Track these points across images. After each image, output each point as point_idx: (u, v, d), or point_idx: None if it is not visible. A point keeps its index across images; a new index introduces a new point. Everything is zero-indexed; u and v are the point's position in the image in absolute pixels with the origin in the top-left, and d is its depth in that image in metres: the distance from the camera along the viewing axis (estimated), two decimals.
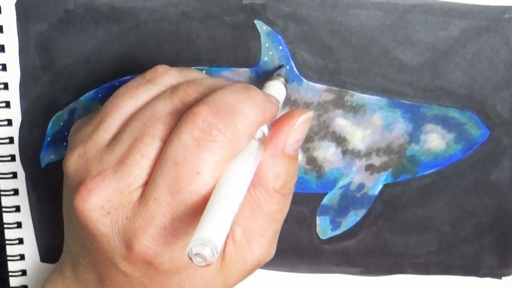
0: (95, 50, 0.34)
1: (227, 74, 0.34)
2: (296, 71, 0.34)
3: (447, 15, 0.33)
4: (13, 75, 0.35)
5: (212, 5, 0.33)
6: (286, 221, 0.36)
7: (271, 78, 0.32)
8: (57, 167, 0.36)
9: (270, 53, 0.34)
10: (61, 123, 0.36)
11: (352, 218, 0.36)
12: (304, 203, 0.36)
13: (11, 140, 0.36)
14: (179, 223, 0.24)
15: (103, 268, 0.27)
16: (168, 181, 0.24)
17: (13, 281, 0.38)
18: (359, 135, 0.35)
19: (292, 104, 0.34)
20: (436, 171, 0.35)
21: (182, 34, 0.34)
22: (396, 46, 0.33)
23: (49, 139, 0.36)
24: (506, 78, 0.34)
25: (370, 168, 0.35)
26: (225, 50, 0.34)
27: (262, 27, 0.33)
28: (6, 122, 0.36)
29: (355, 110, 0.34)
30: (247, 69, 0.34)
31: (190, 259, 0.21)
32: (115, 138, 0.27)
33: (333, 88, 0.34)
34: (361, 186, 0.36)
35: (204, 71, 0.34)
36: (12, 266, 0.38)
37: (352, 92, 0.34)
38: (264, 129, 0.27)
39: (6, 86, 0.35)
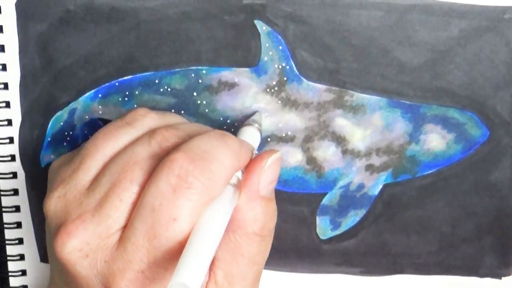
0: (95, 50, 0.34)
1: (227, 74, 0.34)
2: (296, 71, 0.34)
3: (447, 15, 0.33)
4: (13, 75, 0.35)
5: (212, 5, 0.33)
6: (286, 221, 0.36)
7: (246, 123, 0.33)
8: None
9: (270, 53, 0.34)
10: (61, 123, 0.36)
11: (352, 218, 0.36)
12: (304, 203, 0.36)
13: (11, 140, 0.36)
14: (156, 267, 0.25)
15: None
16: (145, 227, 0.25)
17: (13, 281, 0.38)
18: (359, 135, 0.35)
19: (292, 104, 0.34)
20: (436, 171, 0.35)
21: (182, 34, 0.34)
22: (396, 46, 0.33)
23: (49, 139, 0.36)
24: (506, 78, 0.34)
25: (370, 168, 0.35)
26: (225, 50, 0.34)
27: (262, 27, 0.33)
28: (6, 122, 0.36)
29: (355, 110, 0.34)
30: (247, 69, 0.34)
31: None
32: (95, 181, 0.27)
33: (333, 88, 0.34)
34: (361, 186, 0.36)
35: (204, 71, 0.34)
36: (12, 266, 0.38)
37: (352, 92, 0.34)
38: (239, 174, 0.28)
39: (6, 86, 0.35)
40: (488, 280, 0.37)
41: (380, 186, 0.36)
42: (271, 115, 0.35)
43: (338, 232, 0.37)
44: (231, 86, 0.34)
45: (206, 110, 0.35)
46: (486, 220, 0.36)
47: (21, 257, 0.38)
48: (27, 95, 0.35)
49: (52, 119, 0.36)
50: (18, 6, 0.34)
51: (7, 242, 0.37)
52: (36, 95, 0.35)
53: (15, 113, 0.36)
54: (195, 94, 0.35)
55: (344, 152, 0.35)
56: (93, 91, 0.35)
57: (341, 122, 0.35)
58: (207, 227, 0.25)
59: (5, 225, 0.37)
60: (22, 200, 0.37)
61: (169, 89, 0.35)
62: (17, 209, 0.37)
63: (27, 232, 0.37)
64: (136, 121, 0.29)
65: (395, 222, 0.36)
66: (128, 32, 0.34)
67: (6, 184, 0.37)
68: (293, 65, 0.34)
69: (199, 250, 0.23)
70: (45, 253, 0.38)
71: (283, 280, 0.38)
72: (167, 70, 0.34)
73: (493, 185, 0.35)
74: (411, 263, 0.37)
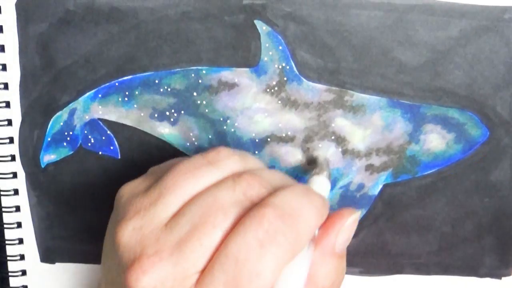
0: (95, 50, 0.34)
1: (227, 74, 0.34)
2: (296, 71, 0.34)
3: (447, 15, 0.33)
4: (13, 75, 0.35)
5: (212, 5, 0.33)
6: None
7: (315, 172, 0.32)
8: (57, 167, 0.36)
9: (270, 53, 0.34)
10: (61, 123, 0.36)
11: None
12: None
13: (11, 140, 0.36)
14: None
15: None
16: (226, 277, 0.25)
17: (13, 281, 0.38)
18: (359, 135, 0.35)
19: (292, 104, 0.34)
20: (436, 171, 0.35)
21: (182, 34, 0.34)
22: (396, 46, 0.33)
23: (49, 139, 0.36)
24: (506, 78, 0.34)
25: (370, 168, 0.35)
26: (225, 50, 0.34)
27: (262, 27, 0.33)
28: (6, 122, 0.36)
29: (355, 110, 0.34)
30: (247, 69, 0.34)
31: None
32: (174, 219, 0.26)
33: (333, 88, 0.34)
34: (361, 186, 0.36)
35: (204, 71, 0.34)
36: (12, 266, 0.38)
37: (352, 92, 0.34)
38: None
39: (6, 86, 0.35)
40: (488, 280, 0.37)
41: (380, 186, 0.36)
42: (271, 115, 0.35)
43: None
44: (231, 86, 0.34)
45: (206, 110, 0.35)
46: (486, 220, 0.36)
47: (21, 257, 0.38)
48: (27, 95, 0.35)
49: (52, 119, 0.36)
50: (18, 6, 0.34)
51: (7, 242, 0.37)
52: (36, 95, 0.35)
53: (15, 113, 0.36)
54: (195, 94, 0.35)
55: (344, 152, 0.35)
56: (93, 91, 0.35)
57: (341, 122, 0.35)
58: (288, 285, 0.25)
59: (5, 225, 0.37)
60: (22, 200, 0.37)
61: (169, 89, 0.35)
62: (17, 209, 0.37)
63: (27, 232, 0.37)
64: (218, 162, 0.28)
65: (395, 222, 0.36)
66: (128, 32, 0.34)
67: (6, 184, 0.37)
68: (293, 65, 0.34)
69: None
70: (45, 253, 0.38)
71: None
72: (167, 70, 0.34)
73: (493, 185, 0.35)
74: (411, 263, 0.37)
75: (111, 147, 0.36)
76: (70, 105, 0.35)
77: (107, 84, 0.35)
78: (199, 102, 0.35)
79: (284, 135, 0.35)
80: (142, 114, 0.35)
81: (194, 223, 0.26)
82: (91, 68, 0.35)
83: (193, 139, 0.35)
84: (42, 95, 0.35)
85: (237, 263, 0.24)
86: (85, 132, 0.36)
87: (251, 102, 0.35)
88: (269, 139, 0.35)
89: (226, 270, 0.25)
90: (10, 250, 0.38)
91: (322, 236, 0.28)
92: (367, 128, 0.35)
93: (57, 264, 0.38)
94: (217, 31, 0.34)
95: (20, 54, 0.35)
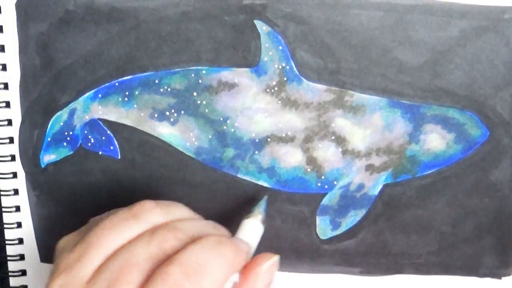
0: (95, 50, 0.34)
1: (227, 74, 0.34)
2: (296, 71, 0.34)
3: (447, 15, 0.33)
4: (13, 75, 0.35)
5: (212, 5, 0.33)
6: (286, 221, 0.36)
7: (248, 215, 0.32)
8: (57, 167, 0.36)
9: (270, 53, 0.34)
10: (61, 123, 0.36)
11: (352, 218, 0.36)
12: (304, 203, 0.36)
13: (11, 140, 0.36)
14: None
15: None
16: None
17: (13, 281, 0.38)
18: (359, 135, 0.35)
19: (292, 104, 0.34)
20: (436, 171, 0.35)
21: (182, 34, 0.34)
22: (396, 46, 0.33)
23: (49, 139, 0.36)
24: (506, 78, 0.34)
25: (370, 168, 0.35)
26: (225, 50, 0.34)
27: (262, 27, 0.33)
28: (6, 122, 0.36)
29: (355, 110, 0.34)
30: (247, 69, 0.34)
31: None
32: (94, 276, 0.28)
33: (333, 88, 0.34)
34: (361, 186, 0.36)
35: (204, 71, 0.34)
36: (12, 266, 0.38)
37: (352, 92, 0.34)
38: (235, 277, 0.28)
39: (6, 86, 0.35)
40: (488, 280, 0.37)
41: (380, 186, 0.36)
42: (271, 115, 0.35)
43: (338, 232, 0.37)
44: (231, 86, 0.34)
45: (206, 110, 0.35)
46: (486, 220, 0.36)
47: (21, 257, 0.38)
48: (27, 95, 0.35)
49: (52, 119, 0.36)
50: (18, 6, 0.34)
51: (7, 242, 0.37)
52: (36, 95, 0.35)
53: (15, 113, 0.36)
54: (195, 94, 0.35)
55: (344, 152, 0.35)
56: (93, 91, 0.35)
57: (341, 122, 0.35)
58: None
59: (5, 225, 0.37)
60: (22, 200, 0.37)
61: (169, 89, 0.35)
62: (17, 209, 0.37)
63: (27, 232, 0.37)
64: (140, 215, 0.29)
65: (395, 222, 0.36)
66: (128, 32, 0.34)
67: (6, 184, 0.37)
68: (293, 65, 0.34)
69: None
70: (45, 253, 0.38)
71: (283, 280, 0.38)
72: (167, 70, 0.34)
73: (493, 185, 0.35)
74: (411, 263, 0.37)
75: (111, 147, 0.36)
76: (70, 105, 0.35)
77: (107, 84, 0.35)
78: (199, 102, 0.35)
79: (284, 135, 0.35)
80: (142, 114, 0.35)
81: (112, 279, 0.27)
82: (91, 68, 0.35)
83: (193, 139, 0.35)
84: (42, 95, 0.35)
85: None
86: (85, 132, 0.36)
87: (251, 102, 0.35)
88: (269, 139, 0.35)
89: None
90: (10, 250, 0.38)
91: (242, 283, 0.28)
92: (367, 128, 0.35)
93: None
94: (217, 31, 0.34)
95: (20, 54, 0.35)
